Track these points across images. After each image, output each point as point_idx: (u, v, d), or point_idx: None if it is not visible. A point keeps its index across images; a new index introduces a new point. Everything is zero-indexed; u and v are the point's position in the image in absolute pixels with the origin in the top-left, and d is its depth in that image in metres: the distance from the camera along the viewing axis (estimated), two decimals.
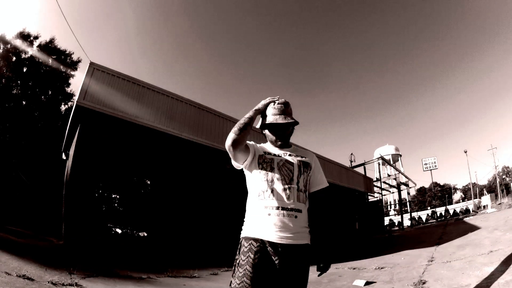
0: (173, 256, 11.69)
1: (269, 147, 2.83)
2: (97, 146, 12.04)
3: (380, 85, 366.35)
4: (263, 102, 2.81)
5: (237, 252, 2.52)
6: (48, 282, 6.26)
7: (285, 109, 2.74)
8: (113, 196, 13.37)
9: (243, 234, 2.58)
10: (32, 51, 31.93)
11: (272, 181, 2.57)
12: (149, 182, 14.13)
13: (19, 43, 30.95)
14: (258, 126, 2.88)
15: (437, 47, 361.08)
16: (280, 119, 2.67)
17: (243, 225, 2.68)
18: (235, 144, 2.51)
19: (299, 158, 2.74)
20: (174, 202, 13.52)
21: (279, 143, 2.79)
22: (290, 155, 2.74)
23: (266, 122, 2.73)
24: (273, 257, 2.39)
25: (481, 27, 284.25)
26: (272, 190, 2.54)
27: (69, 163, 14.55)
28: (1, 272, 6.10)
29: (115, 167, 12.62)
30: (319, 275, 2.72)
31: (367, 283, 7.96)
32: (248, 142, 2.72)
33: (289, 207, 2.50)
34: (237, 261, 2.46)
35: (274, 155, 2.71)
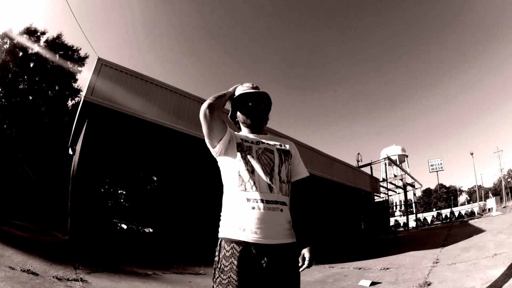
0: (179, 253, 11.66)
1: (245, 134, 2.66)
2: (104, 141, 12.00)
3: (387, 85, 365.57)
4: (233, 87, 2.74)
5: (217, 253, 2.29)
6: (53, 277, 6.22)
7: (254, 87, 2.68)
8: (119, 191, 13.34)
9: (224, 234, 2.34)
10: (39, 46, 32.07)
11: (253, 171, 2.38)
12: (155, 178, 14.10)
13: (25, 38, 31.05)
14: (229, 115, 2.82)
15: (443, 46, 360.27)
16: (249, 90, 2.61)
17: (220, 221, 2.45)
18: (211, 107, 2.36)
19: (278, 146, 2.60)
20: (181, 198, 13.46)
21: (253, 121, 2.66)
22: (268, 143, 2.58)
23: (236, 95, 2.65)
24: (258, 261, 2.19)
25: (486, 26, 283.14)
26: (254, 181, 2.34)
27: (75, 158, 14.55)
28: (5, 267, 6.07)
29: (122, 163, 12.55)
30: (300, 271, 2.40)
31: (373, 284, 7.95)
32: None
33: (273, 199, 2.32)
34: (219, 265, 2.23)
35: (252, 142, 2.53)
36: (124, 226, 12.90)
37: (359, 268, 10.77)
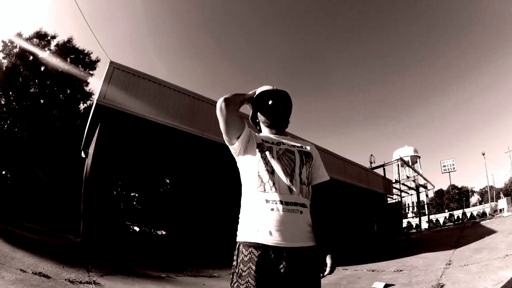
0: (193, 255, 11.63)
1: (266, 135, 2.59)
2: (117, 144, 12.00)
3: (400, 87, 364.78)
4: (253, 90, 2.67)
5: (235, 258, 2.26)
6: (65, 279, 6.19)
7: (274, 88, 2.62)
8: (131, 194, 13.36)
9: (242, 237, 2.28)
10: (49, 50, 32.39)
11: (273, 171, 2.31)
12: (168, 181, 14.09)
13: (36, 42, 31.27)
14: (250, 117, 2.76)
15: (456, 49, 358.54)
16: (270, 88, 2.58)
17: (239, 223, 2.40)
18: (227, 101, 2.29)
19: (299, 148, 2.52)
20: (194, 201, 13.44)
21: (274, 119, 2.61)
22: (289, 144, 2.52)
23: (257, 93, 2.60)
24: (277, 266, 2.11)
25: (499, 29, 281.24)
26: (274, 182, 2.27)
27: (88, 161, 14.60)
28: (16, 269, 6.03)
29: (135, 165, 12.55)
30: (321, 277, 2.34)
31: (386, 286, 8.04)
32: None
33: (293, 201, 2.24)
34: (237, 270, 2.18)
35: (272, 143, 2.46)
36: (137, 229, 12.92)
37: (373, 270, 10.81)
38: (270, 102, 2.56)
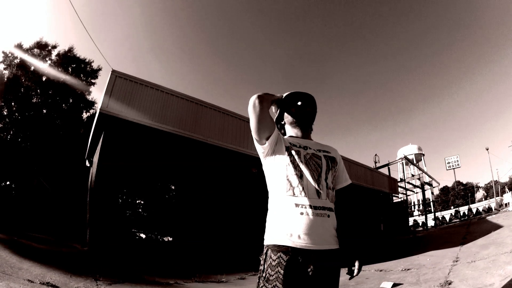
0: (200, 261, 11.61)
1: (292, 139, 2.60)
2: (121, 152, 12.02)
3: (404, 86, 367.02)
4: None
5: (263, 262, 2.26)
6: None
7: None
8: (137, 201, 13.35)
9: (270, 241, 2.29)
10: (50, 60, 32.47)
11: (301, 176, 2.33)
12: (173, 188, 14.09)
13: (36, 52, 31.29)
14: (275, 118, 2.76)
15: (460, 48, 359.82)
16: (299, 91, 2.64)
17: (266, 227, 2.41)
18: (260, 98, 2.32)
19: (325, 153, 2.56)
20: (200, 206, 13.47)
21: (301, 120, 2.65)
22: (315, 149, 2.55)
23: (284, 96, 2.66)
24: (305, 269, 2.15)
25: (501, 27, 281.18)
26: (303, 186, 2.29)
27: (93, 170, 14.64)
28: (24, 280, 6.01)
29: (139, 173, 12.58)
30: (350, 279, 2.48)
31: (394, 285, 8.00)
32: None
33: (321, 205, 2.28)
34: (264, 274, 2.19)
35: (300, 146, 2.48)
36: (143, 236, 12.91)
37: (380, 270, 10.77)
38: (299, 103, 2.61)
